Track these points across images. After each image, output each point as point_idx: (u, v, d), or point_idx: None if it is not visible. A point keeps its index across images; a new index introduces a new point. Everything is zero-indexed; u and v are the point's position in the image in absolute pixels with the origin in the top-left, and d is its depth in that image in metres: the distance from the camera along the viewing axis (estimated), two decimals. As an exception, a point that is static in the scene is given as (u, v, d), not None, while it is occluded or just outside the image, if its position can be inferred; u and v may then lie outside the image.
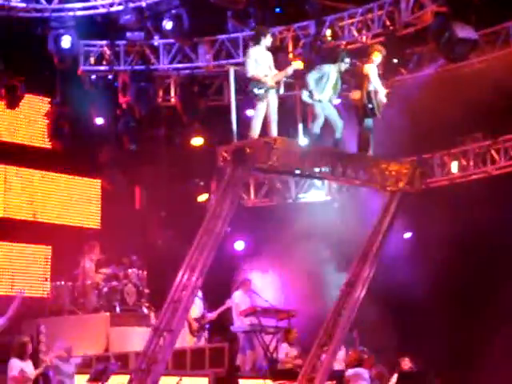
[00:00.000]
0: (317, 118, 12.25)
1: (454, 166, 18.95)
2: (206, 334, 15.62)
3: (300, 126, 12.48)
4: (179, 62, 18.84)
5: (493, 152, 18.56)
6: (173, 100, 19.24)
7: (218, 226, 11.69)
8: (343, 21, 18.23)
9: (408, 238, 18.93)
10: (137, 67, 18.60)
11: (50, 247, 19.02)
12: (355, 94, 12.37)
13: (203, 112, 19.10)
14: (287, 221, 19.08)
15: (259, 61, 11.93)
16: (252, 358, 14.98)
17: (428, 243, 18.12)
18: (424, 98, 17.18)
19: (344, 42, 18.35)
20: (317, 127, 12.22)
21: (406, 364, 15.19)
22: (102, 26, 18.25)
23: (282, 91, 12.11)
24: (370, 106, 12.22)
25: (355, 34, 18.21)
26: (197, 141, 19.35)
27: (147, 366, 11.39)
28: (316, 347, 12.81)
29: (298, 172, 12.20)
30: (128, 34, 18.41)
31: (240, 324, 14.90)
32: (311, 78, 12.24)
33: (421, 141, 17.80)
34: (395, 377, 14.97)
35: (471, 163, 18.76)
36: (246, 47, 18.88)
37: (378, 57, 12.47)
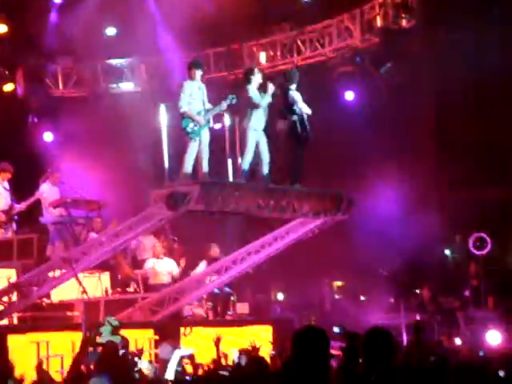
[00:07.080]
0: (247, 152, 11.99)
1: (263, 57, 19.20)
2: (14, 225, 15.39)
3: (229, 162, 12.29)
4: None
5: (299, 43, 18.89)
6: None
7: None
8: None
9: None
10: None
11: None
12: (281, 124, 12.05)
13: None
14: (97, 111, 18.87)
15: (194, 95, 11.64)
16: (61, 248, 14.98)
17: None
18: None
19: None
20: (246, 163, 12.02)
21: (215, 251, 15.04)
22: None
23: (211, 124, 11.89)
24: (305, 133, 11.97)
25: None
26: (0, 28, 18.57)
27: None
28: None
29: (232, 211, 12.06)
30: None
31: (49, 215, 14.81)
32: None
33: (227, 31, 17.88)
34: (203, 263, 14.96)
35: (278, 53, 19.04)
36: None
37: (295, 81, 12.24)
